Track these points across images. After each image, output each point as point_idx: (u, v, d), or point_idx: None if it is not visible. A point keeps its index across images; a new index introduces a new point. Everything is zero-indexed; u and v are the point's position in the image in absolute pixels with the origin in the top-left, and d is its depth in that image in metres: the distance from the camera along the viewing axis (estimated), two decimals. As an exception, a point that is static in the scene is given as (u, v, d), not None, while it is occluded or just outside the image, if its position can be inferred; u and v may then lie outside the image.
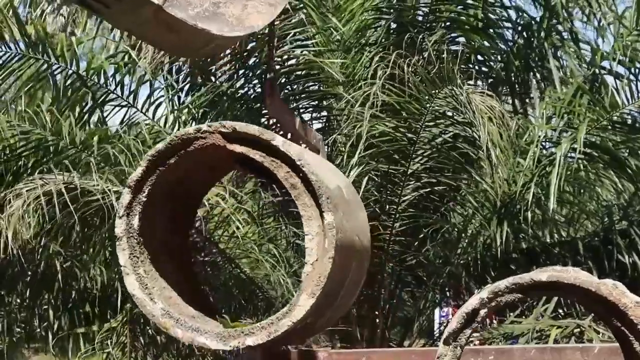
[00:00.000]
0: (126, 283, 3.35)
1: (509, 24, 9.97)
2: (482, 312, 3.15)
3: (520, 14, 9.91)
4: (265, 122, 8.73)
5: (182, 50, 3.99)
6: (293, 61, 9.46)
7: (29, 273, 9.00)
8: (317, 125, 9.71)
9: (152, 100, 9.86)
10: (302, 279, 3.18)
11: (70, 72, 9.66)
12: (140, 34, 3.75)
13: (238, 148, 3.25)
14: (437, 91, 8.27)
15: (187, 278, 3.62)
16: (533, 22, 9.80)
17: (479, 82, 9.83)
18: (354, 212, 3.52)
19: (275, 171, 3.23)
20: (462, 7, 9.71)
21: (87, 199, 8.02)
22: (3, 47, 9.49)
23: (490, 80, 10.00)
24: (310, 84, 9.51)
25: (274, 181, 3.33)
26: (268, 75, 3.74)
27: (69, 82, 9.67)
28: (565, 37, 9.79)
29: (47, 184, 8.03)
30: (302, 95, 9.63)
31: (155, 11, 3.45)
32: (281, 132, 4.12)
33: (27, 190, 8.03)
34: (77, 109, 9.42)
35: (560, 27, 9.83)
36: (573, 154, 8.45)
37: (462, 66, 9.28)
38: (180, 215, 3.61)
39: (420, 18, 9.63)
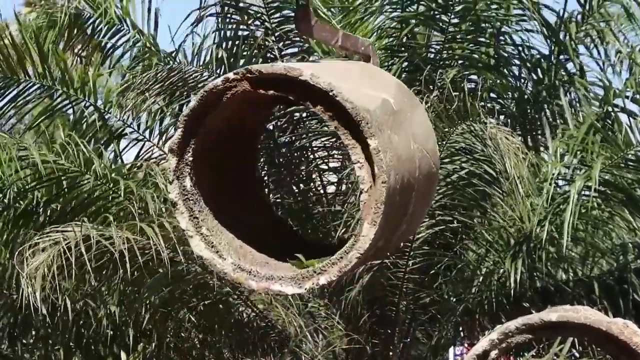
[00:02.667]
0: (192, 246, 3.25)
1: (519, 62, 10.00)
2: (493, 353, 3.14)
3: (531, 51, 9.95)
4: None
5: None
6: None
7: (43, 313, 8.96)
8: (332, 164, 9.73)
9: (167, 135, 9.90)
10: (361, 209, 3.11)
11: (88, 104, 9.73)
12: None
13: (270, 92, 3.17)
14: (453, 127, 8.28)
15: (257, 211, 3.54)
16: (543, 59, 9.83)
17: (493, 120, 9.84)
18: (405, 119, 3.35)
19: (312, 108, 3.15)
20: (474, 45, 9.75)
21: (102, 249, 8.02)
22: (23, 77, 9.53)
23: (503, 117, 10.02)
24: (324, 122, 9.52)
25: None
26: (300, 2, 3.54)
27: (85, 114, 9.73)
28: (577, 73, 9.82)
29: (67, 239, 8.00)
30: (317, 134, 9.65)
31: None
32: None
33: (44, 247, 8.00)
34: (93, 142, 9.45)
35: (571, 65, 9.86)
36: (587, 192, 8.45)
37: (475, 103, 9.31)
38: (240, 155, 3.51)
39: (432, 56, 9.67)
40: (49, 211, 9.42)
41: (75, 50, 10.83)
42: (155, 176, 9.05)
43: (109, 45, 10.23)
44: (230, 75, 3.16)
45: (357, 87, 3.25)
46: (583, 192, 8.45)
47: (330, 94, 3.05)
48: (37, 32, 10.08)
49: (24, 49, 9.62)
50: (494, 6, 9.66)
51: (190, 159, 3.26)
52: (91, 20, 10.20)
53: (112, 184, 9.00)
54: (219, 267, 3.22)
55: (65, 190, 9.31)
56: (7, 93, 9.61)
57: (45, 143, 9.05)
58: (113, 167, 9.27)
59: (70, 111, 10.11)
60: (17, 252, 8.26)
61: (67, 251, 7.86)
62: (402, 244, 3.82)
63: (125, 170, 9.61)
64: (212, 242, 3.26)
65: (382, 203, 3.03)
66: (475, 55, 9.74)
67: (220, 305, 9.46)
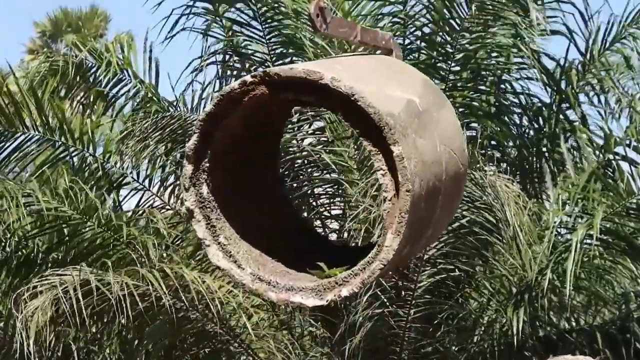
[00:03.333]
0: (209, 256, 3.14)
1: (520, 109, 10.03)
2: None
3: (532, 99, 9.98)
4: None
5: None
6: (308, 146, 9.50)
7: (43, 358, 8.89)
8: (335, 211, 9.72)
9: (167, 184, 9.90)
10: (384, 217, 3.00)
11: (87, 154, 9.73)
12: None
13: (289, 94, 3.07)
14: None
15: (266, 213, 3.40)
16: (545, 107, 9.86)
17: (493, 167, 9.85)
18: (431, 119, 3.21)
19: (331, 111, 3.10)
20: (475, 92, 9.78)
21: (102, 295, 7.98)
22: (23, 129, 9.55)
23: (503, 165, 10.02)
24: (325, 170, 9.54)
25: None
26: (313, 2, 3.34)
27: (84, 165, 9.73)
28: (577, 122, 9.84)
29: (64, 283, 7.96)
30: (317, 182, 9.64)
31: None
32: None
33: (42, 290, 7.96)
34: (93, 192, 9.45)
35: (571, 112, 9.88)
36: (589, 240, 8.42)
37: (475, 151, 9.32)
38: (254, 157, 3.37)
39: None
40: (50, 260, 9.40)
41: (77, 99, 10.87)
42: (157, 223, 9.04)
43: (110, 95, 10.27)
44: (248, 78, 3.07)
45: (380, 89, 3.13)
46: (585, 241, 8.43)
47: (352, 98, 2.96)
48: (40, 80, 10.13)
49: (21, 101, 9.64)
50: (494, 54, 9.70)
51: (207, 165, 3.17)
52: (93, 70, 10.26)
53: (114, 232, 8.98)
54: (237, 278, 3.12)
55: (67, 238, 9.30)
56: (6, 146, 9.61)
57: (49, 189, 9.03)
58: (115, 214, 9.25)
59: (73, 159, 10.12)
60: (14, 296, 8.21)
61: (64, 295, 7.81)
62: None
63: (127, 217, 9.60)
64: (230, 252, 3.16)
65: (407, 212, 2.93)
66: (476, 103, 9.76)
67: (222, 354, 9.39)
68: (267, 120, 3.33)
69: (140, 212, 9.80)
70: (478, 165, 8.17)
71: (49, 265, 9.26)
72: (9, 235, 9.26)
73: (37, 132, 9.59)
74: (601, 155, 9.51)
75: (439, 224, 3.27)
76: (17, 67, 23.90)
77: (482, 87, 9.78)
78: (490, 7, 9.28)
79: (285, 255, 3.24)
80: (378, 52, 3.55)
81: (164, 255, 8.80)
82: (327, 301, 2.98)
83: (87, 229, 9.13)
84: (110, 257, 9.00)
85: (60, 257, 9.28)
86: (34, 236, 9.42)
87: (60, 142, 9.61)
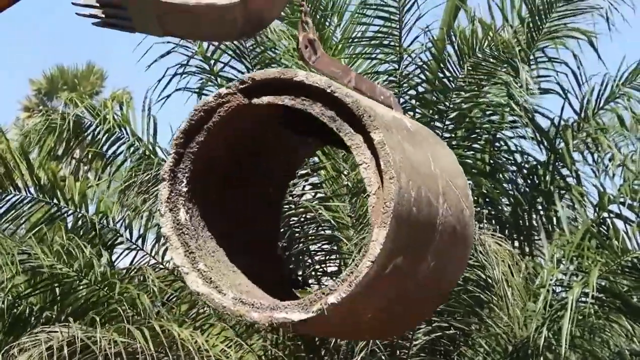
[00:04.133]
0: (187, 283, 2.98)
1: (515, 168, 10.07)
2: None
3: (526, 157, 10.03)
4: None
5: (214, 34, 3.45)
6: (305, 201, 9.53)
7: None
8: (330, 268, 9.72)
9: (161, 242, 9.88)
10: (369, 214, 2.83)
11: (79, 215, 9.73)
12: (168, 32, 3.40)
13: (264, 99, 2.93)
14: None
15: (265, 251, 3.27)
16: (539, 165, 9.90)
17: (488, 225, 9.87)
18: (424, 140, 3.08)
19: (310, 110, 2.88)
20: (469, 150, 9.83)
21: (91, 352, 7.93)
22: (14, 191, 9.56)
23: (498, 223, 10.04)
24: (321, 227, 9.55)
25: (324, 135, 2.98)
26: (302, 33, 3.20)
27: (78, 224, 9.72)
28: (571, 180, 9.88)
29: (51, 339, 7.92)
30: (313, 239, 9.65)
31: (156, 4, 3.23)
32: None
33: (31, 346, 7.92)
34: (88, 250, 9.45)
35: (566, 170, 9.92)
36: (584, 298, 8.41)
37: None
38: (250, 176, 3.24)
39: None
40: (44, 318, 9.36)
41: (75, 157, 10.90)
42: (152, 280, 9.01)
43: (109, 152, 10.28)
44: (223, 90, 2.98)
45: (364, 98, 3.02)
46: (580, 299, 8.42)
47: (328, 90, 2.86)
48: (37, 138, 10.18)
49: (13, 161, 9.67)
50: (489, 112, 9.78)
51: (185, 189, 3.02)
52: (91, 128, 10.29)
53: (108, 289, 8.96)
54: (217, 302, 2.94)
55: (61, 296, 9.27)
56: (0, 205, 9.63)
57: (46, 247, 9.03)
58: (110, 271, 9.24)
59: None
60: (1, 353, 8.17)
61: (52, 353, 7.77)
62: (435, 294, 3.36)
63: (121, 275, 9.57)
64: (211, 278, 2.98)
65: (391, 200, 2.77)
66: (470, 161, 9.81)
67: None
68: (257, 138, 3.19)
69: (135, 270, 9.77)
70: None
71: (43, 323, 9.21)
72: (2, 295, 9.22)
73: (29, 194, 9.61)
74: (596, 213, 9.54)
75: (441, 256, 3.07)
76: (13, 125, 24.02)
77: (477, 145, 9.83)
78: (482, 67, 9.37)
79: (274, 286, 3.11)
80: None
81: (158, 312, 8.76)
82: (313, 312, 2.82)
83: (82, 286, 9.10)
84: (104, 315, 8.96)
85: (54, 316, 9.23)
86: (27, 295, 9.38)
87: (52, 203, 9.62)
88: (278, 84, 2.91)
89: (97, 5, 3.48)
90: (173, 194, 3.02)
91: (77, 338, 7.80)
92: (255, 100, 2.94)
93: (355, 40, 10.08)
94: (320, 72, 3.32)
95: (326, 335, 3.19)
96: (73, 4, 3.52)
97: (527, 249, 10.09)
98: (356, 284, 2.77)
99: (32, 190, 9.62)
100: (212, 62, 9.78)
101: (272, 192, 3.37)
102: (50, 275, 9.05)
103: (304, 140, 3.31)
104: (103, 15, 3.51)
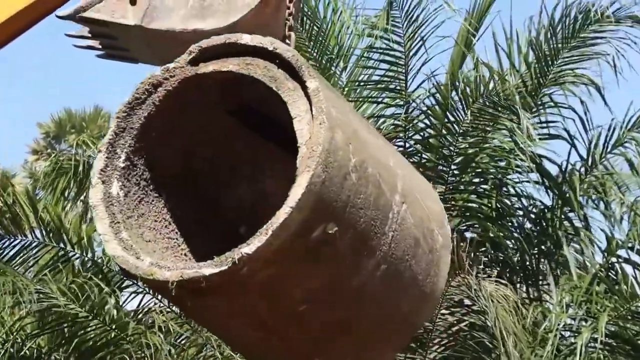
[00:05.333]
0: (107, 249, 2.83)
1: (522, 212, 10.04)
2: None
3: (533, 201, 10.00)
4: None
5: None
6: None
7: None
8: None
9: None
10: (298, 165, 2.61)
11: (86, 258, 9.72)
12: (163, 58, 3.30)
13: (210, 67, 2.81)
14: (450, 279, 8.25)
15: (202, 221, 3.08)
16: (546, 209, 9.86)
17: (494, 270, 9.82)
18: (388, 147, 2.95)
19: (253, 73, 2.75)
20: (475, 195, 9.80)
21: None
22: (21, 236, 9.58)
23: (505, 267, 9.99)
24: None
25: (270, 122, 2.86)
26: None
27: (85, 267, 9.72)
28: (579, 225, 9.83)
29: None
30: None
31: (142, 31, 3.24)
32: None
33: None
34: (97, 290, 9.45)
35: (573, 215, 9.88)
36: (593, 344, 8.35)
37: (478, 254, 9.31)
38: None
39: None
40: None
41: (82, 200, 10.91)
42: (162, 322, 8.99)
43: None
44: (171, 64, 2.88)
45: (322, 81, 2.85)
46: (589, 344, 8.35)
47: (270, 48, 2.77)
48: (49, 181, 10.23)
49: (19, 207, 9.71)
50: (495, 157, 9.76)
51: (122, 164, 2.90)
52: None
53: (120, 330, 8.94)
54: (131, 263, 2.76)
55: (70, 337, 9.25)
56: (8, 250, 9.64)
57: (57, 287, 9.03)
58: (121, 312, 9.23)
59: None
60: None
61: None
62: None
63: (130, 317, 9.56)
64: (132, 246, 2.83)
65: (318, 145, 2.58)
66: (476, 205, 9.78)
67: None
68: (205, 127, 3.05)
69: (143, 312, 9.75)
70: (467, 269, 8.18)
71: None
72: (11, 337, 9.20)
73: (35, 238, 9.61)
74: (604, 258, 9.48)
75: (397, 266, 2.84)
76: (22, 167, 24.08)
77: (483, 190, 9.80)
78: (487, 112, 9.38)
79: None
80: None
81: (169, 351, 8.75)
82: (227, 266, 2.56)
83: (93, 326, 9.08)
84: (115, 356, 8.94)
85: (63, 358, 9.21)
86: (36, 335, 9.35)
87: (59, 247, 9.62)
88: (225, 50, 2.83)
89: (90, 36, 3.49)
90: (108, 168, 2.91)
91: None
92: (201, 70, 2.84)
93: (362, 83, 10.10)
94: None
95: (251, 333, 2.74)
96: (67, 35, 3.53)
97: (534, 294, 10.02)
98: (272, 232, 2.52)
99: (38, 234, 9.64)
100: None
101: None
102: (60, 316, 9.03)
103: (250, 133, 3.15)
104: (100, 46, 3.51)
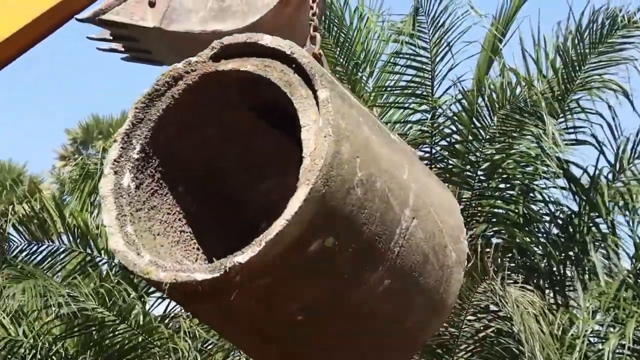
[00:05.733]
0: (110, 242, 2.78)
1: (549, 218, 10.01)
2: None
3: (560, 207, 9.97)
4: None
5: None
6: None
7: None
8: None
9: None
10: (300, 175, 2.55)
11: (113, 264, 9.78)
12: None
13: (229, 65, 2.76)
14: (476, 286, 8.26)
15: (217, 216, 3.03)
16: (573, 215, 9.83)
17: (520, 276, 9.79)
18: (401, 151, 2.85)
19: (270, 76, 2.70)
20: (502, 201, 9.79)
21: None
22: (48, 242, 9.65)
23: (532, 273, 9.96)
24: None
25: (285, 118, 2.77)
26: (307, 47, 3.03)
27: (113, 272, 9.78)
28: (607, 231, 9.79)
29: None
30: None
31: (161, 33, 3.21)
32: None
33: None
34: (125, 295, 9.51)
35: (600, 221, 9.84)
36: (620, 350, 8.31)
37: (505, 260, 9.30)
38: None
39: (463, 214, 9.68)
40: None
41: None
42: (188, 327, 9.03)
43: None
44: (194, 58, 2.83)
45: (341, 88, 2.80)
46: (616, 350, 8.32)
47: (288, 52, 2.70)
48: (74, 186, 10.31)
49: (46, 213, 9.79)
50: (522, 163, 9.74)
51: (136, 155, 2.84)
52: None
53: (147, 334, 8.99)
54: (129, 259, 2.71)
55: (98, 340, 9.32)
56: (33, 258, 9.71)
57: (85, 292, 9.11)
58: (149, 316, 9.29)
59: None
60: None
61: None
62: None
63: (157, 321, 9.62)
64: (134, 241, 2.77)
65: (321, 158, 2.50)
66: (502, 211, 9.76)
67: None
68: (226, 124, 3.00)
69: (169, 317, 9.80)
70: (492, 275, 8.17)
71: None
72: (38, 340, 9.27)
73: (62, 244, 9.69)
74: (632, 264, 9.44)
75: (403, 280, 2.78)
76: (49, 173, 24.26)
77: (509, 196, 9.78)
78: (512, 120, 9.37)
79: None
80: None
81: (195, 358, 8.81)
82: (219, 273, 2.53)
83: (121, 330, 9.14)
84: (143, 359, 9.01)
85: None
86: (64, 337, 9.41)
87: (86, 252, 9.70)
88: (246, 49, 2.78)
89: (112, 38, 3.47)
90: (122, 158, 2.84)
91: None
92: (221, 67, 2.79)
93: (388, 89, 10.11)
94: None
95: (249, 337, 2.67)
96: (88, 38, 3.52)
97: (562, 300, 9.99)
98: (266, 243, 2.47)
99: (65, 240, 9.71)
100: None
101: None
102: (88, 319, 9.10)
103: (270, 130, 3.09)
104: (123, 49, 3.50)
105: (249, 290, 2.56)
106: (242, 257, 2.49)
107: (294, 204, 2.48)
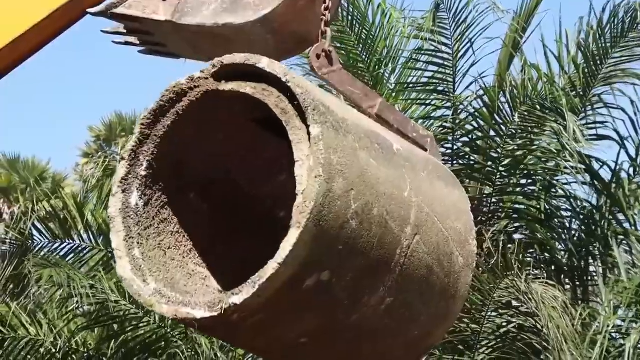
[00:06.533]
0: (117, 268, 2.77)
1: (571, 213, 10.01)
2: None
3: (581, 203, 9.97)
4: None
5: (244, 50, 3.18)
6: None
7: None
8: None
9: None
10: (293, 214, 2.53)
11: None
12: (203, 53, 3.27)
13: (229, 85, 2.73)
14: (498, 281, 8.28)
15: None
16: (595, 210, 9.83)
17: (542, 271, 9.81)
18: (407, 166, 2.79)
19: (267, 100, 2.66)
20: (524, 197, 9.80)
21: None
22: (68, 240, 9.76)
23: (553, 269, 9.97)
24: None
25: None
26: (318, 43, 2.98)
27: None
28: (628, 226, 9.78)
29: None
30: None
31: (173, 27, 3.19)
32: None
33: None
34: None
35: (622, 216, 9.83)
36: (643, 346, 8.31)
37: (526, 255, 9.31)
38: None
39: (483, 209, 9.71)
40: (100, 356, 9.52)
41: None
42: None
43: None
44: (197, 73, 2.79)
45: (334, 100, 2.76)
46: (638, 346, 8.32)
47: (283, 79, 2.65)
48: (96, 184, 10.41)
49: (66, 212, 9.88)
50: (543, 159, 9.75)
51: (143, 172, 2.82)
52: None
53: (171, 327, 9.07)
54: (135, 289, 2.72)
55: (119, 333, 9.41)
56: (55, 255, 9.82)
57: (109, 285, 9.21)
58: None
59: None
60: None
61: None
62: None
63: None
64: (141, 266, 2.77)
65: (312, 200, 2.48)
66: (523, 207, 9.77)
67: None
68: (234, 137, 2.98)
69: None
70: (520, 272, 8.18)
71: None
72: (62, 332, 9.38)
73: (82, 242, 9.78)
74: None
75: (406, 295, 2.78)
76: (73, 170, 24.38)
77: (531, 192, 9.79)
78: (533, 116, 9.37)
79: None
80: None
81: (216, 355, 8.87)
82: (216, 312, 2.56)
83: (145, 323, 9.23)
84: (165, 353, 9.08)
85: (111, 354, 9.38)
86: (86, 328, 9.49)
87: (107, 250, 9.79)
88: (245, 70, 2.74)
89: (125, 32, 3.47)
90: (130, 176, 2.83)
91: None
92: (222, 87, 2.76)
93: (410, 86, 10.14)
94: (333, 87, 3.11)
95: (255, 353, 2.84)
96: (102, 31, 3.52)
97: (583, 295, 9.99)
98: (259, 286, 2.49)
99: (86, 238, 9.81)
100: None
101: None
102: (109, 312, 9.19)
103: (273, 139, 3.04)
104: (138, 42, 3.50)
105: (247, 325, 2.61)
106: (237, 298, 2.52)
107: (286, 246, 2.48)
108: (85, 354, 9.62)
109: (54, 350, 9.41)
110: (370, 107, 3.05)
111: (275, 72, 2.67)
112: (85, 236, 9.83)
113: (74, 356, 9.55)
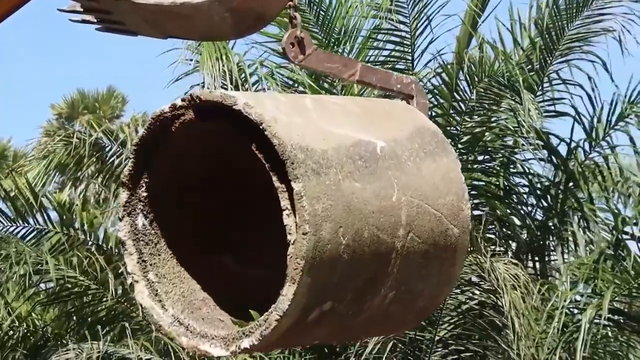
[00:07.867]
0: (135, 293, 2.88)
1: (529, 189, 10.09)
2: None
3: (539, 179, 10.05)
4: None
5: (210, 34, 3.25)
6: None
7: None
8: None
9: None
10: (287, 263, 2.64)
11: (91, 244, 9.86)
12: (162, 31, 3.25)
13: (208, 122, 2.78)
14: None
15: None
16: (552, 186, 9.92)
17: (502, 248, 9.89)
18: (398, 167, 2.81)
19: (249, 145, 2.71)
20: (483, 174, 9.86)
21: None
22: (22, 223, 9.74)
23: (513, 245, 10.06)
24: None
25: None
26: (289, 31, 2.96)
27: (90, 251, 9.85)
28: (585, 200, 9.88)
29: (82, 352, 8.08)
30: None
31: (131, 6, 3.13)
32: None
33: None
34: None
35: (580, 193, 9.93)
36: (599, 320, 8.40)
37: (486, 232, 9.39)
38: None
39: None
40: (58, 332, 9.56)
41: (91, 182, 11.01)
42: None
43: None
44: (178, 101, 2.82)
45: (313, 123, 2.77)
46: (596, 321, 8.41)
47: (260, 127, 2.65)
48: (56, 161, 10.35)
49: (18, 193, 9.83)
50: (502, 135, 9.81)
51: (144, 194, 2.90)
52: (109, 151, 10.41)
53: (128, 303, 9.10)
54: (155, 318, 2.84)
55: (79, 309, 9.43)
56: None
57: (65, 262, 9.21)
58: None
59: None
60: None
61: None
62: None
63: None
64: (157, 290, 2.87)
65: (302, 258, 2.59)
66: (484, 184, 9.83)
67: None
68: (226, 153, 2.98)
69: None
70: (482, 250, 8.25)
71: (58, 339, 9.42)
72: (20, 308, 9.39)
73: (38, 225, 9.74)
74: (612, 235, 9.53)
75: (406, 282, 2.85)
76: (34, 149, 24.22)
77: (490, 169, 9.86)
78: (491, 93, 9.42)
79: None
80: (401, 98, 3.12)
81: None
82: (230, 352, 2.72)
83: (104, 300, 9.25)
84: (126, 329, 9.10)
85: (70, 329, 9.41)
86: (46, 304, 9.62)
87: (62, 232, 9.75)
88: (221, 106, 2.74)
89: (82, 10, 3.46)
90: (133, 198, 2.91)
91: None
92: (204, 122, 2.80)
93: (368, 64, 10.12)
94: (313, 70, 3.08)
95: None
96: (59, 10, 3.51)
97: (543, 271, 10.09)
98: (266, 336, 2.65)
99: (40, 221, 9.76)
100: (240, 81, 9.72)
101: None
102: (71, 288, 9.22)
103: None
104: (95, 20, 3.50)
105: (260, 350, 2.83)
106: (247, 341, 2.68)
107: (284, 302, 2.61)
108: (44, 336, 9.60)
109: (11, 333, 9.40)
110: (351, 75, 3.03)
111: (252, 116, 2.67)
112: (40, 219, 9.77)
113: (31, 337, 9.54)
